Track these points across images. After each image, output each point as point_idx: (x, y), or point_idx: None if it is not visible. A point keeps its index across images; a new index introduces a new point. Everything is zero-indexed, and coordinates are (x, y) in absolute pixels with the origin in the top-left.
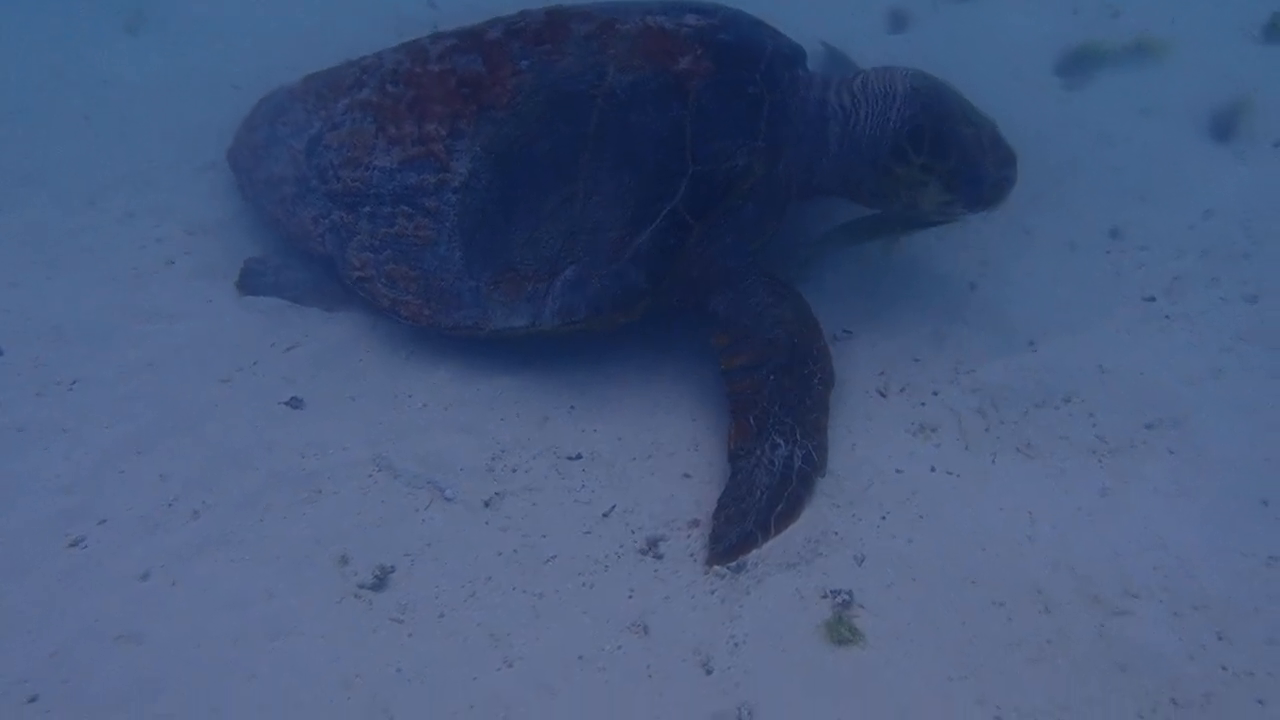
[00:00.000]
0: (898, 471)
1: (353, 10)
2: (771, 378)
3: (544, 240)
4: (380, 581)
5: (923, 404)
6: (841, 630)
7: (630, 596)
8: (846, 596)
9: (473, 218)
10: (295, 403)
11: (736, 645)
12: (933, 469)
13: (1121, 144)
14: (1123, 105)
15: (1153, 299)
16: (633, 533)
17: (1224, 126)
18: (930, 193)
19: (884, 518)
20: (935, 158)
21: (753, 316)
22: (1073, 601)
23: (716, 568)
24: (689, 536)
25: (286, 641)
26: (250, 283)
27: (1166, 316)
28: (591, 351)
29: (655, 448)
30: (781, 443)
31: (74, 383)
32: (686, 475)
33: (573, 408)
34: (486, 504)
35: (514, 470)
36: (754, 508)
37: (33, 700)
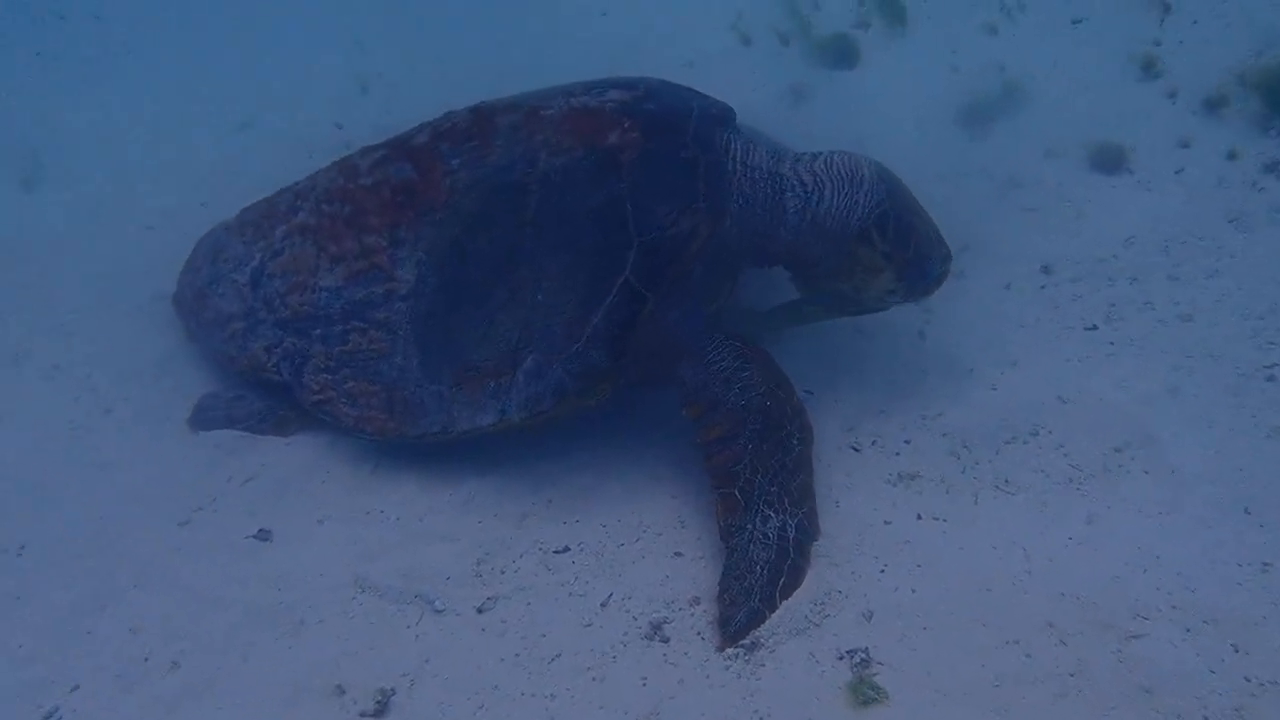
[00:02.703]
0: (886, 523)
1: (258, 140)
2: (750, 446)
3: (499, 334)
4: (382, 707)
5: (897, 454)
6: (865, 690)
7: (644, 684)
8: (863, 654)
9: (425, 322)
10: (263, 535)
11: None
12: (919, 516)
13: (1032, 185)
14: (1026, 150)
15: (1095, 327)
16: (634, 619)
17: (1119, 160)
18: (882, 280)
19: (883, 570)
20: (896, 247)
21: (721, 383)
22: (1085, 631)
23: (729, 649)
24: (692, 614)
25: None
26: (203, 418)
27: (1111, 343)
28: (557, 441)
29: (641, 530)
30: (772, 514)
31: (21, 548)
32: (678, 554)
33: (550, 501)
34: (479, 610)
35: (502, 572)
36: (756, 585)
37: None
